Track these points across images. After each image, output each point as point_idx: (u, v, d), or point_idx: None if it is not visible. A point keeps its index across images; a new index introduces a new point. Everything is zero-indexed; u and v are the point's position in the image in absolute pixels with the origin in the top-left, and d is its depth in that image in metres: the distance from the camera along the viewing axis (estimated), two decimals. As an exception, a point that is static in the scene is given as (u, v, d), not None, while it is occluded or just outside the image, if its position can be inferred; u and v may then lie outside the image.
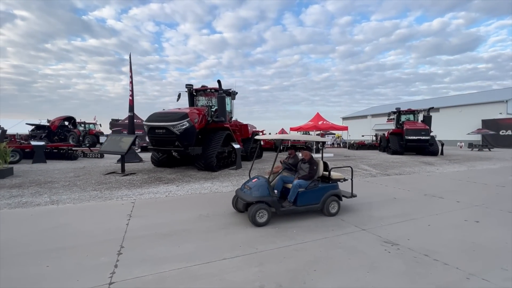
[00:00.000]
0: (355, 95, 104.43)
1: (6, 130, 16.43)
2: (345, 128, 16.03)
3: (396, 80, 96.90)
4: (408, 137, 16.49)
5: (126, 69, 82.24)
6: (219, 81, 9.87)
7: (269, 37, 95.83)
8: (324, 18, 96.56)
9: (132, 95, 11.74)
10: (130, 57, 11.76)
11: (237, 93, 11.79)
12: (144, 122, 9.05)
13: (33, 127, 21.86)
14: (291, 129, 16.92)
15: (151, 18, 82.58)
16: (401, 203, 5.55)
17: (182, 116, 8.38)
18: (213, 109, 10.56)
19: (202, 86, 11.05)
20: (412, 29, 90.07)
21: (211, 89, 10.67)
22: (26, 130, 24.30)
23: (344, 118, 55.23)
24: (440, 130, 37.38)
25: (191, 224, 4.14)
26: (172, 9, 80.00)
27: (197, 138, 9.36)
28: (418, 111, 19.17)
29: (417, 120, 19.05)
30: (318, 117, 16.13)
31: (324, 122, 15.63)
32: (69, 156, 12.72)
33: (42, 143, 11.40)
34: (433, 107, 18.35)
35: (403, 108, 20.45)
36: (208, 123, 10.04)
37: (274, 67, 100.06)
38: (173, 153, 8.73)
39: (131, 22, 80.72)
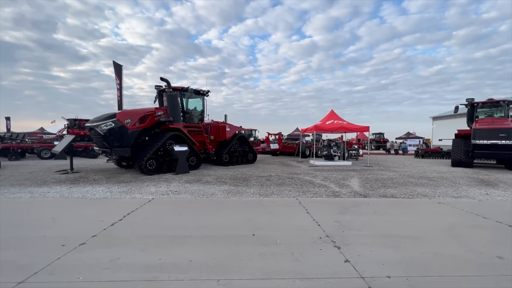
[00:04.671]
0: (484, 88, 79.01)
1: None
2: (367, 129, 12.01)
3: (555, 65, 67.14)
4: (476, 142, 10.84)
5: (226, 81, 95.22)
6: (162, 78, 9.21)
7: (363, 33, 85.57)
8: (435, 1, 77.90)
9: (120, 101, 12.65)
10: (114, 65, 12.63)
11: (206, 91, 10.87)
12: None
13: None
14: (302, 130, 14.25)
15: (246, 33, 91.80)
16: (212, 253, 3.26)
17: (108, 116, 8.20)
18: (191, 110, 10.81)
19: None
20: None
21: (167, 88, 10.12)
22: None
23: (434, 118, 43.61)
24: None
25: None
26: (264, 21, 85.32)
27: (141, 140, 9.02)
28: (509, 103, 12.39)
29: (507, 116, 12.38)
30: (330, 115, 12.85)
31: (335, 121, 12.23)
32: (91, 154, 15.19)
33: (63, 143, 13.87)
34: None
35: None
36: (163, 124, 9.55)
37: (369, 65, 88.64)
38: (101, 154, 8.66)
39: (230, 39, 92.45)
